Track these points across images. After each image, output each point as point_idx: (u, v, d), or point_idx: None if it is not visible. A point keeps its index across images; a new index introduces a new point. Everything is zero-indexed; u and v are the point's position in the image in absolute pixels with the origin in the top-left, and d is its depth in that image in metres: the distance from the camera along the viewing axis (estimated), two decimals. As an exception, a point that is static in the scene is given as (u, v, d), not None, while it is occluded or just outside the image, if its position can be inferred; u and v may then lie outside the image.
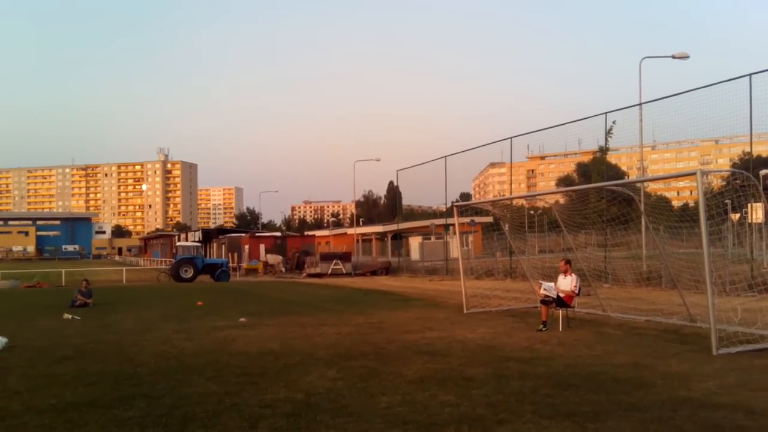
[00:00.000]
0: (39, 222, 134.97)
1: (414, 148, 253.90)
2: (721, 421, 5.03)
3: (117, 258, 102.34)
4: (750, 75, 16.64)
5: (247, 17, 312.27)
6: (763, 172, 25.22)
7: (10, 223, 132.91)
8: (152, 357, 8.64)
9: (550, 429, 4.88)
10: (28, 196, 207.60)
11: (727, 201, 12.55)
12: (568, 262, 11.28)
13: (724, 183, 19.19)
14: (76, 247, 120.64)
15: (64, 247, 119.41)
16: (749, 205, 16.43)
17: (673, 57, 22.81)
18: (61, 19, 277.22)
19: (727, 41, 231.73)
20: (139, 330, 11.76)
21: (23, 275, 35.60)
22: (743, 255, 17.75)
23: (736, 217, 18.50)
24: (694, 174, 8.57)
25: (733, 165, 57.71)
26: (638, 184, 18.10)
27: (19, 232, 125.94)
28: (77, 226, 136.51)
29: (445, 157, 31.82)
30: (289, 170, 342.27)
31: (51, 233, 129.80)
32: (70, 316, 14.03)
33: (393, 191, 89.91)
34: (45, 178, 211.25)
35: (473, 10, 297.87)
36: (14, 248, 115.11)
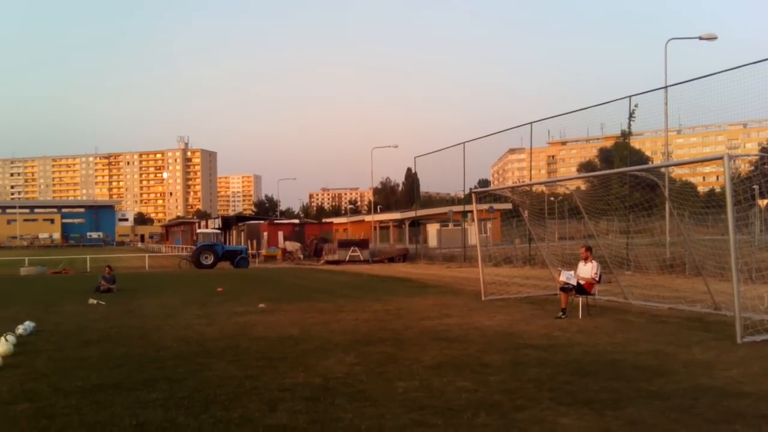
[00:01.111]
0: (64, 210, 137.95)
1: (432, 135, 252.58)
2: (744, 409, 4.94)
3: (139, 245, 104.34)
4: (780, 56, 16.08)
5: (264, 5, 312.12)
6: (792, 156, 24.44)
7: (36, 210, 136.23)
8: (174, 341, 8.81)
9: (568, 416, 4.85)
10: (53, 185, 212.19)
11: (754, 186, 12.22)
12: (588, 249, 11.13)
13: (752, 168, 18.68)
14: (100, 234, 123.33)
15: (88, 234, 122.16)
16: (778, 190, 15.95)
17: (701, 38, 22.15)
18: (83, 8, 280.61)
19: (756, 22, 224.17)
20: (161, 315, 11.99)
21: (49, 262, 36.54)
22: (770, 242, 17.31)
23: (763, 203, 18.00)
24: (720, 158, 8.35)
25: (762, 149, 56.08)
26: (663, 170, 17.72)
27: (44, 220, 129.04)
28: (101, 213, 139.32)
29: (464, 143, 31.57)
30: (307, 158, 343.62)
31: (76, 221, 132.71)
32: (95, 302, 14.37)
33: (411, 178, 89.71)
34: (69, 167, 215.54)
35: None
36: (41, 235, 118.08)
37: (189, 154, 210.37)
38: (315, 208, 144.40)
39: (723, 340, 7.95)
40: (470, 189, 28.48)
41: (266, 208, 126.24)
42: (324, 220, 70.61)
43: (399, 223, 54.09)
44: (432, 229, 46.08)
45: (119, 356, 7.77)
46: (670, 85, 20.51)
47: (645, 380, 5.95)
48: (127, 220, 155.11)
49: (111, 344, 8.70)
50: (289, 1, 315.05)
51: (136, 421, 4.96)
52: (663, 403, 5.17)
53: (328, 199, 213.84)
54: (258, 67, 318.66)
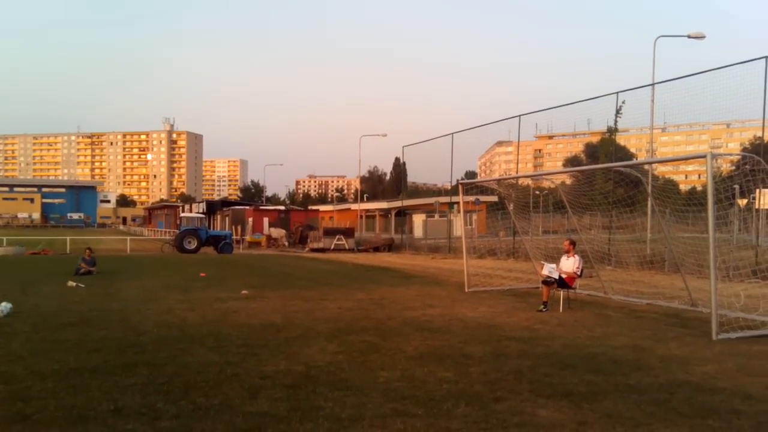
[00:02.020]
0: (44, 189, 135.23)
1: (421, 125, 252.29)
2: (717, 405, 5.05)
3: (121, 227, 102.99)
4: (766, 57, 16.28)
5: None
6: (773, 157, 24.87)
7: (16, 189, 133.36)
8: (155, 326, 8.73)
9: (546, 407, 4.91)
10: (34, 163, 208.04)
11: (735, 186, 12.41)
12: (572, 243, 11.22)
13: (734, 167, 19.00)
14: (81, 215, 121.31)
15: (69, 215, 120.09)
16: (758, 190, 16.24)
17: (689, 37, 22.34)
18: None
19: (745, 22, 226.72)
20: (142, 299, 11.87)
21: (28, 242, 35.90)
22: (749, 241, 17.67)
23: (743, 202, 18.33)
24: (703, 157, 8.45)
25: (744, 149, 57.01)
26: (646, 166, 17.94)
27: (24, 199, 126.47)
28: (82, 194, 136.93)
29: (452, 134, 31.56)
30: (295, 144, 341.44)
31: (56, 201, 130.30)
32: (74, 284, 14.16)
33: (399, 167, 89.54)
34: (51, 146, 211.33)
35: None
36: (19, 215, 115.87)
37: (174, 136, 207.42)
38: (301, 195, 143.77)
39: (699, 337, 8.10)
40: (457, 180, 28.55)
41: (252, 194, 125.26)
42: (310, 208, 70.31)
43: (385, 213, 54.12)
44: (418, 219, 46.14)
45: (98, 340, 7.67)
46: (657, 83, 20.70)
47: (622, 374, 6.04)
48: (109, 201, 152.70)
49: (90, 327, 8.59)
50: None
51: (114, 405, 4.91)
52: (639, 396, 5.26)
53: (315, 186, 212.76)
54: (247, 52, 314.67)
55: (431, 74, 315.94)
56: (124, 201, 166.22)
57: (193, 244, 32.86)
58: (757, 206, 17.87)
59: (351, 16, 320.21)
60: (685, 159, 12.87)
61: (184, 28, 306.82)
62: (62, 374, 5.90)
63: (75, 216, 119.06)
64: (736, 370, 6.27)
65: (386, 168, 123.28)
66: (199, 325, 8.86)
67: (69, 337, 7.82)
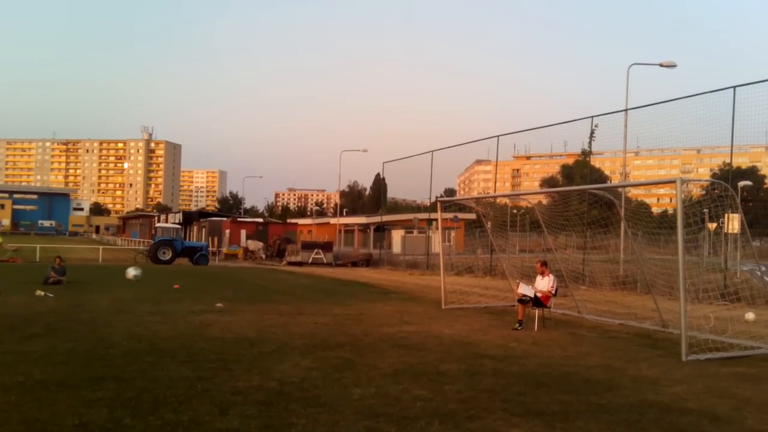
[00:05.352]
0: (16, 195, 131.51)
1: (401, 141, 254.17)
2: (686, 426, 5.13)
3: (94, 236, 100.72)
4: (734, 87, 16.90)
5: (238, 1, 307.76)
6: (741, 183, 25.79)
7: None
8: (125, 338, 8.53)
9: (519, 426, 4.93)
10: (6, 168, 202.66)
11: (705, 210, 12.77)
12: (543, 263, 11.37)
13: (703, 192, 19.58)
14: (53, 222, 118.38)
15: (40, 222, 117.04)
16: (726, 215, 16.76)
17: (661, 65, 23.08)
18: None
19: (715, 51, 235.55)
20: (112, 310, 11.59)
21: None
22: (717, 264, 18.15)
23: (712, 226, 18.87)
24: (674, 182, 8.70)
25: (713, 175, 58.75)
26: (619, 189, 18.36)
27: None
28: (55, 201, 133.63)
29: (432, 151, 31.81)
30: (275, 157, 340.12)
31: (27, 207, 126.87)
32: (42, 293, 13.78)
33: (379, 183, 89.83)
34: (24, 151, 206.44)
35: (464, 8, 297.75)
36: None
37: (152, 145, 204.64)
38: (280, 208, 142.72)
39: (669, 357, 8.25)
40: (436, 197, 28.77)
41: (230, 206, 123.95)
42: (289, 221, 69.84)
43: (364, 228, 54.09)
44: (397, 235, 46.21)
45: (65, 352, 7.46)
46: (630, 108, 21.30)
47: (594, 394, 6.11)
48: (82, 209, 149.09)
49: (57, 339, 8.35)
50: (263, 1, 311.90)
51: (79, 420, 4.77)
52: (610, 416, 5.32)
53: (294, 199, 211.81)
54: (228, 62, 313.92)
55: (413, 92, 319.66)
56: (98, 209, 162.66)
57: (168, 255, 32.28)
58: (725, 230, 18.41)
59: (332, 32, 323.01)
60: (656, 183, 13.33)
61: (165, 37, 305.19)
62: (27, 387, 5.72)
63: (46, 223, 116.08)
64: (704, 392, 6.39)
65: (366, 183, 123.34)
66: (171, 338, 8.69)
67: (35, 349, 7.58)
